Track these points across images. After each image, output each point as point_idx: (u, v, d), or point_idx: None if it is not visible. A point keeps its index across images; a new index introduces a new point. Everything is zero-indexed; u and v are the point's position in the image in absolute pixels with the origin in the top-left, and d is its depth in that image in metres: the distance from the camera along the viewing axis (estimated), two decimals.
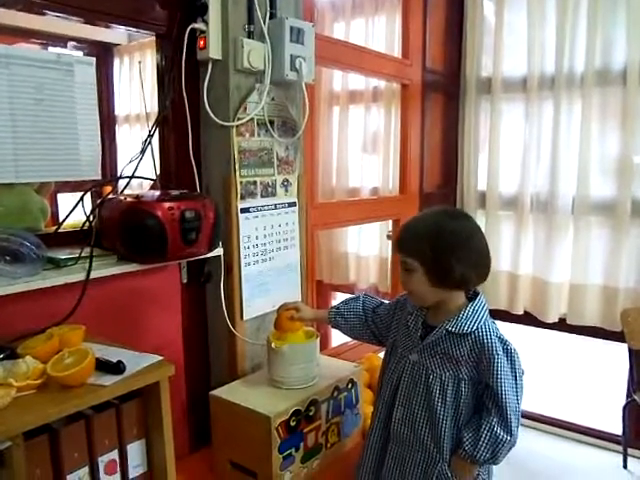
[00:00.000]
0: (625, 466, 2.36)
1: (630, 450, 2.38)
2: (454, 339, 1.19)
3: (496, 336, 1.17)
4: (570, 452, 2.50)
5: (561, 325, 2.52)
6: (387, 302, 1.43)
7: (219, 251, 1.51)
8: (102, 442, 1.01)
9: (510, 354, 1.17)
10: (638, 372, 2.30)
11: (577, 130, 2.42)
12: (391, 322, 1.35)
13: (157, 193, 1.36)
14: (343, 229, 3.04)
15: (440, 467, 1.20)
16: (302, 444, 1.37)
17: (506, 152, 2.65)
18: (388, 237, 2.63)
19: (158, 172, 1.56)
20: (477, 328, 1.17)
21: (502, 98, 2.63)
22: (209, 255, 1.45)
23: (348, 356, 2.07)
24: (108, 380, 0.97)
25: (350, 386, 1.52)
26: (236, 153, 1.57)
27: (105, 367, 1.00)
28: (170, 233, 1.27)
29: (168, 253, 1.29)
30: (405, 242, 1.18)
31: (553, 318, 2.52)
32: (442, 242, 1.15)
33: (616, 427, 2.50)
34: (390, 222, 2.72)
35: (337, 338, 2.27)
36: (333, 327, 1.47)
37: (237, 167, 1.58)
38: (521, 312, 2.60)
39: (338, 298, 3.48)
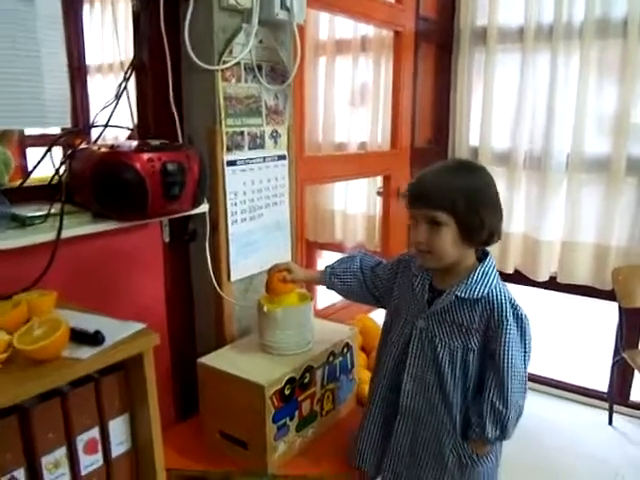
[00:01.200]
0: (610, 422, 2.38)
1: (615, 407, 2.39)
2: (464, 305, 1.11)
3: (508, 300, 1.09)
4: (556, 409, 2.51)
5: (551, 284, 2.49)
6: (387, 261, 1.33)
7: (204, 208, 1.39)
8: (80, 420, 0.91)
9: (521, 320, 1.09)
10: (627, 331, 2.28)
11: (574, 84, 2.32)
12: (393, 283, 1.26)
13: (135, 143, 1.23)
14: (329, 185, 2.93)
15: (455, 439, 1.15)
16: (297, 412, 1.30)
17: (500, 106, 2.54)
18: (379, 193, 2.53)
19: (135, 121, 1.42)
20: (488, 292, 1.09)
21: (497, 49, 2.50)
22: (194, 212, 1.33)
23: (337, 318, 1.99)
24: (85, 352, 0.86)
25: (345, 350, 1.45)
26: (221, 100, 1.43)
27: (81, 338, 0.89)
28: (151, 187, 1.15)
29: (149, 210, 1.17)
30: (433, 194, 1.06)
31: (544, 277, 2.49)
32: (475, 194, 1.06)
33: (601, 384, 2.52)
34: (379, 179, 2.63)
35: (324, 299, 2.18)
36: (328, 288, 1.37)
37: (223, 116, 1.44)
38: (511, 271, 2.55)
39: (324, 257, 3.40)
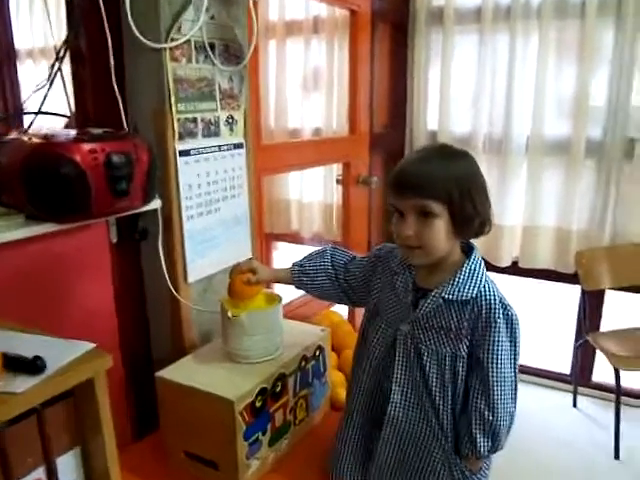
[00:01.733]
0: (575, 405, 2.39)
1: (579, 389, 2.41)
2: (452, 308, 1.01)
3: (498, 300, 1.00)
4: (522, 393, 2.50)
5: (513, 269, 2.46)
6: (361, 256, 1.23)
7: (157, 204, 1.25)
8: (21, 460, 0.77)
9: (511, 321, 1.01)
10: (591, 313, 2.29)
11: (533, 65, 2.27)
12: (370, 281, 1.16)
13: (73, 132, 1.07)
14: (283, 174, 2.80)
15: (448, 454, 1.06)
16: (269, 426, 1.18)
17: (458, 89, 2.47)
18: (338, 182, 2.43)
19: (73, 108, 1.25)
20: (477, 292, 1.00)
21: (454, 30, 2.42)
22: (145, 209, 1.19)
23: (299, 314, 1.88)
24: (22, 384, 0.72)
25: (318, 353, 1.34)
26: (171, 82, 1.28)
27: (17, 365, 0.75)
28: (94, 183, 1.00)
29: (93, 209, 1.03)
30: (425, 183, 0.95)
31: (506, 262, 2.46)
32: (468, 181, 0.96)
33: (563, 367, 2.53)
34: (335, 166, 2.53)
35: (284, 295, 2.06)
36: (297, 288, 1.26)
37: (173, 100, 1.30)
38: None
39: (280, 249, 3.28)
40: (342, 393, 1.45)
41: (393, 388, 1.06)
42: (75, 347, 0.83)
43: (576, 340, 2.42)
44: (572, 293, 2.51)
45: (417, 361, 1.04)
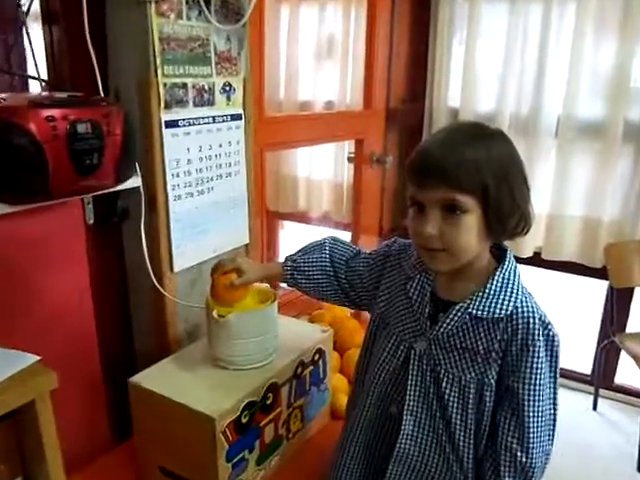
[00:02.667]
0: (595, 408, 2.24)
1: (600, 391, 2.25)
2: (480, 326, 0.83)
3: (538, 317, 0.82)
4: None
5: (536, 260, 2.28)
6: (367, 252, 1.05)
7: (134, 182, 1.09)
8: None
9: (552, 342, 0.84)
10: (618, 312, 2.11)
11: (568, 40, 2.05)
12: (377, 283, 0.98)
13: (30, 95, 0.90)
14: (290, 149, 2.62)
15: None
16: (257, 442, 1.03)
17: (484, 63, 2.26)
18: (349, 160, 2.25)
19: (42, 71, 1.08)
20: (513, 308, 0.82)
21: None
22: (120, 188, 1.03)
23: (297, 306, 1.71)
24: None
25: (317, 358, 1.18)
26: (156, 42, 1.11)
27: None
28: (52, 158, 0.84)
29: (52, 188, 0.86)
30: (456, 170, 0.76)
31: (528, 252, 2.28)
32: (506, 169, 0.78)
33: (584, 367, 2.37)
34: (347, 143, 2.35)
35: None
36: (290, 286, 1.08)
37: (159, 62, 1.12)
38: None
39: (286, 228, 3.12)
40: (344, 399, 1.29)
41: (405, 417, 0.89)
42: (13, 360, 0.68)
43: (600, 339, 2.24)
44: (596, 288, 2.33)
45: (434, 387, 0.87)
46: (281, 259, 1.11)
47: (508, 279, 0.84)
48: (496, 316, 0.82)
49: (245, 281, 1.04)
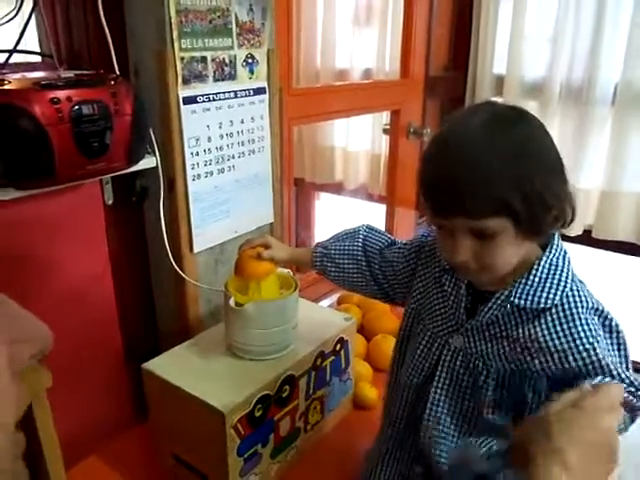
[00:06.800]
0: None
1: None
2: (523, 315, 0.76)
3: (592, 309, 0.74)
4: None
5: (585, 238, 2.14)
6: (402, 242, 0.98)
7: (149, 162, 1.05)
8: None
9: (616, 333, 0.75)
10: None
11: None
12: (412, 276, 0.92)
13: (36, 76, 0.87)
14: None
15: None
16: (272, 436, 1.00)
17: (533, 25, 2.10)
18: (385, 131, 2.15)
19: (52, 46, 1.04)
20: (561, 298, 0.73)
21: None
22: (132, 169, 0.99)
23: (321, 289, 1.66)
24: None
25: (339, 347, 1.13)
26: (173, 12, 1.05)
27: None
28: (57, 141, 0.81)
29: (58, 172, 0.84)
30: (473, 196, 0.67)
31: (577, 230, 2.14)
32: (532, 172, 0.68)
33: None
34: (385, 114, 2.24)
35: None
36: (319, 274, 1.04)
37: (175, 35, 1.07)
38: None
39: (322, 199, 3.06)
40: (368, 388, 1.25)
41: (427, 408, 0.83)
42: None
43: None
44: None
45: (468, 382, 0.81)
46: (316, 230, 1.06)
47: (556, 265, 0.75)
48: (541, 306, 0.74)
49: (272, 255, 1.00)
